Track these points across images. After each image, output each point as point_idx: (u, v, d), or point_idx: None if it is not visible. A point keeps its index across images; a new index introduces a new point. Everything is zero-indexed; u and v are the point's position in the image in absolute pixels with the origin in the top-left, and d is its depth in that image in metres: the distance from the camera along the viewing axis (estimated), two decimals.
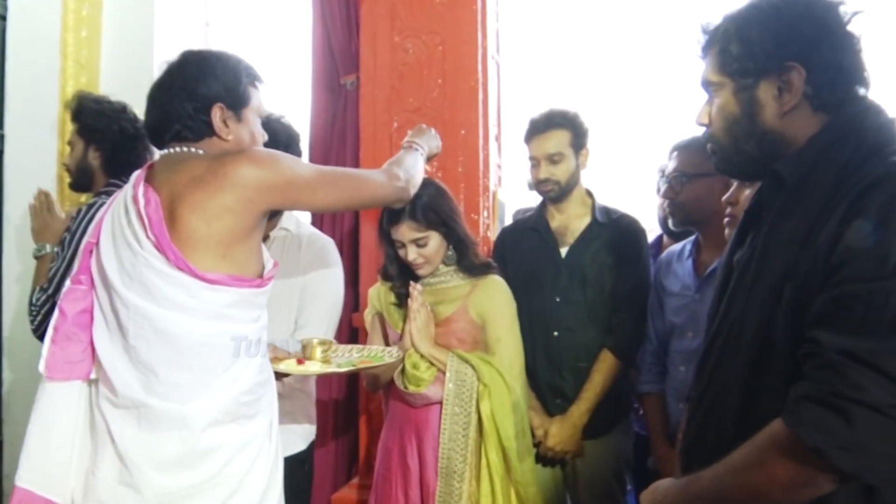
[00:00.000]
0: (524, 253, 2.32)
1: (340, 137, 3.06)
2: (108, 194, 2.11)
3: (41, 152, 3.08)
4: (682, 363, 2.11)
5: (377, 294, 2.18)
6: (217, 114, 1.51)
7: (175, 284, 1.38)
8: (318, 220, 2.97)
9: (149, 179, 1.48)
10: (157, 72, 1.58)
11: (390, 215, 1.99)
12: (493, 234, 2.64)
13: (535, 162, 2.29)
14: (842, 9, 1.14)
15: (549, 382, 2.23)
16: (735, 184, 1.86)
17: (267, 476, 1.49)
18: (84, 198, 2.62)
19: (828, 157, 1.12)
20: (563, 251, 2.29)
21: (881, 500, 1.00)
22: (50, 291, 2.17)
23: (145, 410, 1.39)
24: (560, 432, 2.15)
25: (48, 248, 2.32)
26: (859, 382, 0.93)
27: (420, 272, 2.03)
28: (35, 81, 3.11)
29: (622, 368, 2.20)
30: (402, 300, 2.06)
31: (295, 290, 2.01)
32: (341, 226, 3.01)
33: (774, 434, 1.01)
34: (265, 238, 1.92)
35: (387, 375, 2.04)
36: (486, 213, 2.62)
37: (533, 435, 2.11)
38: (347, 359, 1.87)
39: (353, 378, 2.86)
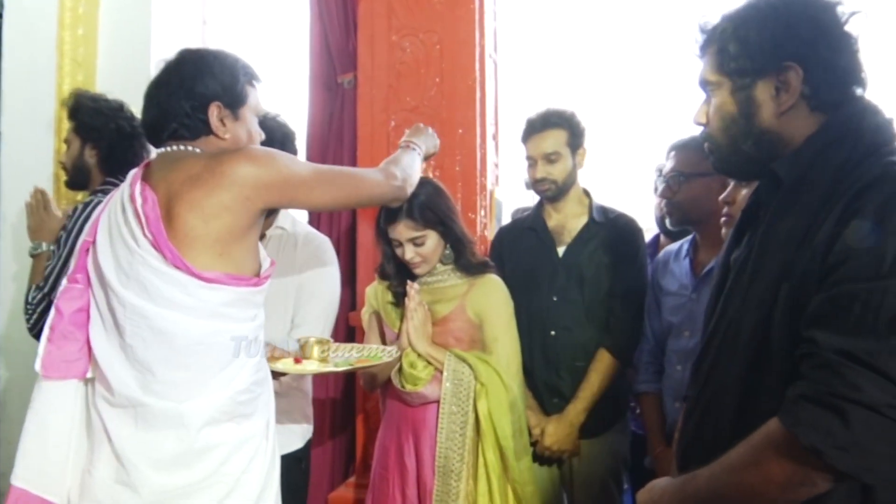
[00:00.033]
0: (521, 252, 2.32)
1: (338, 136, 3.05)
2: (105, 193, 2.11)
3: (37, 150, 3.07)
4: (678, 362, 2.12)
5: (374, 293, 2.18)
6: (214, 112, 1.51)
7: (172, 283, 1.38)
8: (316, 219, 2.96)
9: (146, 178, 1.48)
10: (153, 70, 1.58)
11: (387, 214, 1.99)
12: (490, 234, 2.64)
13: (532, 161, 2.29)
14: (839, 9, 1.14)
15: (546, 382, 2.23)
16: (732, 183, 1.86)
17: (264, 475, 1.49)
18: (80, 196, 2.61)
19: (825, 156, 1.12)
20: (561, 250, 2.29)
21: (878, 499, 1.00)
22: (46, 290, 2.16)
23: (142, 409, 1.38)
24: (557, 431, 2.16)
25: (44, 246, 2.32)
26: (857, 382, 0.93)
27: (417, 271, 2.03)
28: (31, 79, 3.11)
29: (619, 368, 2.20)
30: (400, 299, 2.06)
31: (291, 288, 2.01)
32: (338, 224, 3.00)
33: (771, 433, 1.01)
34: (261, 237, 1.92)
35: (384, 374, 2.04)
36: (483, 213, 2.62)
37: (530, 434, 2.12)
38: (345, 358, 1.87)
39: (350, 377, 2.86)
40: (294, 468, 2.01)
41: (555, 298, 2.23)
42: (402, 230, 1.97)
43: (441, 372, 1.96)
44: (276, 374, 1.67)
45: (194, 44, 3.14)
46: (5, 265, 3.12)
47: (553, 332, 2.22)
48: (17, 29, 3.14)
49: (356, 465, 2.75)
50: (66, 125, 2.44)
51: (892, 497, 1.00)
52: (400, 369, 1.99)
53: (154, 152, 1.56)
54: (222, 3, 3.60)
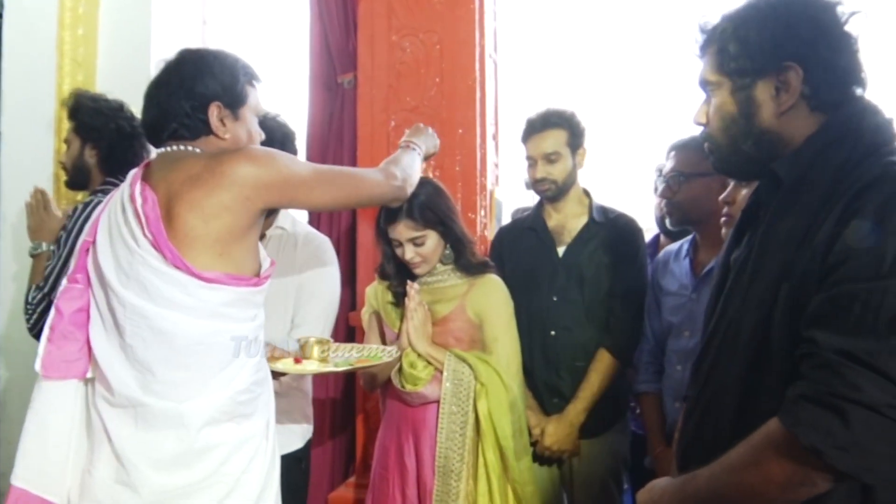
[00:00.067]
0: (521, 252, 2.32)
1: (338, 136, 3.05)
2: (105, 193, 2.11)
3: (37, 150, 3.07)
4: (678, 362, 2.12)
5: (374, 293, 2.18)
6: (214, 112, 1.51)
7: (172, 283, 1.38)
8: (316, 219, 2.96)
9: (146, 178, 1.48)
10: (153, 70, 1.58)
11: (388, 214, 1.99)
12: (490, 234, 2.64)
13: (532, 161, 2.29)
14: (839, 9, 1.14)
15: (546, 382, 2.23)
16: (732, 183, 1.86)
17: (264, 475, 1.49)
18: (80, 196, 2.62)
19: (825, 156, 1.12)
20: (561, 250, 2.29)
21: (878, 499, 1.00)
22: (46, 290, 2.16)
23: (142, 409, 1.38)
24: (557, 431, 2.16)
25: (44, 246, 2.32)
26: (857, 382, 0.93)
27: (417, 271, 2.03)
28: (31, 79, 3.11)
29: (619, 368, 2.20)
30: (400, 299, 2.06)
31: (291, 288, 2.01)
32: (338, 224, 3.01)
33: (771, 433, 1.01)
34: (261, 237, 1.92)
35: (384, 374, 2.04)
36: (483, 213, 2.62)
37: (530, 434, 2.12)
38: (345, 358, 1.87)
39: (350, 377, 2.86)
40: (294, 468, 2.01)
41: (555, 298, 2.23)
42: (403, 230, 1.97)
43: (441, 372, 1.96)
44: (276, 374, 1.67)
45: (194, 44, 3.14)
46: (5, 265, 3.12)
47: (553, 332, 2.22)
48: (17, 29, 3.14)
49: (356, 465, 2.75)
50: (66, 125, 2.44)
51: (892, 497, 1.00)
52: (400, 369, 1.99)
53: (154, 152, 1.56)
54: (222, 2, 3.60)
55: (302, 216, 2.50)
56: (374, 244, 2.16)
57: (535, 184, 2.30)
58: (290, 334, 1.95)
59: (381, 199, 1.77)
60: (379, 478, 2.06)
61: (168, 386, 1.39)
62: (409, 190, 1.81)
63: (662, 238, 2.75)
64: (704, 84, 1.25)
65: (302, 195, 1.54)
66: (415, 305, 1.97)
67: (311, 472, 2.25)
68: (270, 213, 1.96)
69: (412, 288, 1.98)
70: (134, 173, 1.51)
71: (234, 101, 1.54)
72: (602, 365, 2.17)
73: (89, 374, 1.45)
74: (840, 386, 0.94)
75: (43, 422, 1.45)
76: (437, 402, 1.97)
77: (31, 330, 2.19)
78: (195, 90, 1.49)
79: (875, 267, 0.96)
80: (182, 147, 1.51)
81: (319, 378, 2.67)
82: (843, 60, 1.14)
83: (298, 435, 2.09)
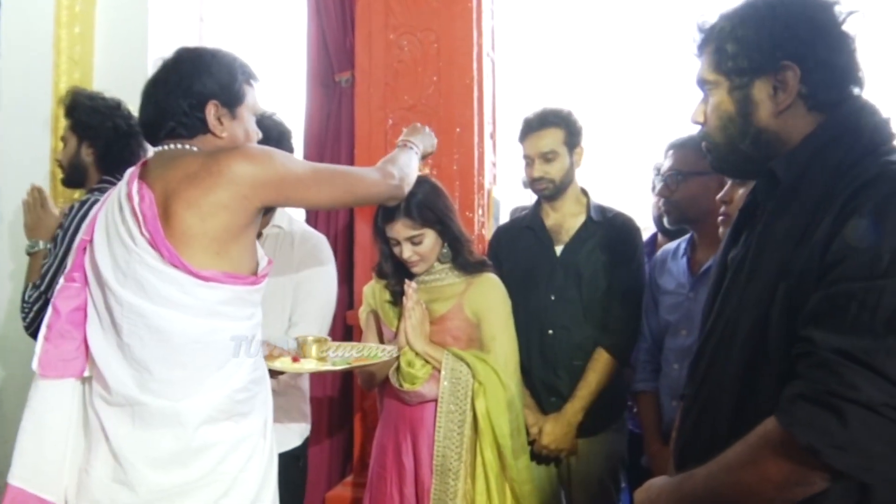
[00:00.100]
0: (519, 251, 2.32)
1: (335, 135, 3.05)
2: (101, 191, 2.11)
3: (34, 148, 3.07)
4: (675, 361, 2.12)
5: (372, 292, 2.18)
6: (212, 111, 1.51)
7: (169, 281, 1.38)
8: (313, 218, 2.96)
9: (143, 176, 1.48)
10: (150, 68, 1.58)
11: (385, 213, 1.99)
12: (487, 232, 2.64)
13: (530, 160, 2.29)
14: (837, 9, 1.14)
15: (543, 381, 2.23)
16: (729, 182, 1.86)
17: (261, 474, 1.49)
18: (77, 194, 2.61)
19: (822, 156, 1.12)
20: (559, 249, 2.29)
21: (875, 498, 1.01)
22: (42, 288, 2.16)
23: (139, 408, 1.38)
24: (554, 430, 2.16)
25: (41, 244, 2.31)
26: (854, 381, 0.93)
27: (415, 270, 2.03)
28: (28, 77, 3.10)
29: (617, 367, 2.20)
30: (397, 298, 2.06)
31: (288, 287, 2.01)
32: (335, 223, 3.00)
33: (768, 433, 1.02)
34: (258, 235, 1.92)
35: (382, 373, 2.04)
36: (480, 211, 2.62)
37: (528, 433, 2.12)
38: (343, 357, 1.87)
39: (347, 376, 2.86)
40: (292, 466, 2.02)
41: (553, 297, 2.23)
42: (400, 229, 1.97)
43: (439, 371, 1.96)
44: (273, 373, 1.67)
45: (191, 41, 3.14)
46: (2, 263, 3.11)
47: (551, 331, 2.22)
48: (13, 27, 3.13)
49: (354, 463, 2.75)
50: (63, 123, 2.44)
51: (889, 496, 1.00)
52: (398, 368, 1.99)
53: (151, 151, 1.56)
54: (219, 0, 3.59)
55: (298, 214, 2.49)
56: (371, 243, 2.16)
57: (532, 183, 2.30)
58: (288, 333, 1.95)
59: (379, 197, 1.77)
60: (377, 477, 2.06)
61: (165, 384, 1.39)
62: (407, 189, 1.81)
63: (660, 237, 2.75)
64: (702, 83, 1.25)
65: (299, 193, 1.54)
66: (412, 304, 1.97)
67: (309, 472, 2.25)
68: (267, 212, 1.96)
69: (410, 287, 1.98)
70: (131, 172, 1.51)
71: (231, 99, 1.54)
72: (600, 364, 2.17)
73: (86, 373, 1.45)
74: (837, 385, 0.94)
75: (40, 420, 1.45)
76: (435, 400, 1.97)
77: (27, 328, 2.18)
78: (193, 89, 1.49)
79: (872, 266, 0.96)
80: (179, 145, 1.51)
81: (317, 377, 2.67)
82: (840, 60, 1.14)
83: (296, 433, 2.09)
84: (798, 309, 1.03)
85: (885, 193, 1.00)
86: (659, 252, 2.38)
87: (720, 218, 1.90)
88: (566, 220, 2.32)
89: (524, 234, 2.35)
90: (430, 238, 2.00)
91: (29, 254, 2.33)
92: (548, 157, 2.25)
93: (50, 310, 1.47)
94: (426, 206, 1.97)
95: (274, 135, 1.97)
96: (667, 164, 2.24)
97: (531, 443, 2.15)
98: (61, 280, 1.49)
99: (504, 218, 2.98)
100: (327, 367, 1.79)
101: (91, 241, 1.47)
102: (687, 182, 2.15)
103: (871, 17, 1.16)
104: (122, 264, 1.40)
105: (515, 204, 3.40)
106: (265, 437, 1.52)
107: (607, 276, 2.23)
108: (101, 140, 2.31)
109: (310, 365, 1.76)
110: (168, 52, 1.57)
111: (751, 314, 1.13)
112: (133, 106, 1.80)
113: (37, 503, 1.42)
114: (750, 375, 1.12)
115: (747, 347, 1.13)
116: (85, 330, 1.44)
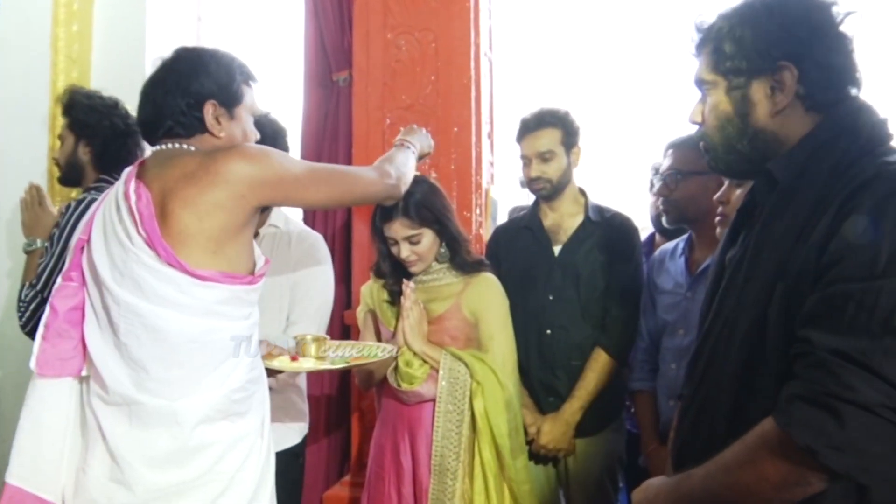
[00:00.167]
0: (518, 251, 2.32)
1: (333, 134, 3.05)
2: (98, 190, 2.11)
3: (32, 147, 3.06)
4: (673, 360, 2.12)
5: (370, 291, 2.18)
6: (210, 110, 1.51)
7: (166, 281, 1.38)
8: (311, 217, 2.96)
9: (140, 176, 1.47)
10: (148, 67, 1.58)
11: (383, 212, 1.99)
12: (485, 232, 2.65)
13: (527, 160, 2.29)
14: (834, 9, 1.15)
15: (542, 380, 2.23)
16: (726, 183, 1.86)
17: (259, 473, 1.49)
18: (74, 193, 2.61)
19: (820, 156, 1.12)
20: (557, 249, 2.29)
21: (873, 499, 1.01)
22: (38, 287, 2.15)
23: (136, 407, 1.38)
24: (553, 430, 2.16)
25: (39, 242, 2.31)
26: (851, 382, 0.93)
27: (413, 270, 2.03)
28: (26, 76, 3.10)
29: (615, 367, 2.21)
30: (395, 298, 2.06)
31: (285, 287, 2.01)
32: (333, 222, 3.00)
33: (766, 433, 1.02)
34: (255, 235, 1.92)
35: (380, 373, 2.03)
36: (478, 211, 2.62)
37: (526, 433, 2.12)
38: (342, 356, 1.87)
39: (345, 375, 2.86)
40: (292, 463, 2.02)
41: (551, 297, 2.24)
42: (398, 228, 1.97)
43: (437, 370, 1.96)
44: (272, 372, 1.67)
45: (189, 40, 3.14)
46: (0, 261, 3.11)
47: (549, 331, 2.22)
48: (11, 25, 3.12)
49: (351, 463, 2.75)
50: (61, 121, 2.43)
51: (886, 496, 1.00)
52: (396, 368, 1.99)
53: (149, 150, 1.56)
54: None
55: (295, 214, 2.49)
56: (369, 242, 2.16)
57: (529, 183, 2.30)
58: (286, 332, 1.95)
59: (376, 197, 1.77)
60: (375, 476, 2.06)
61: (162, 384, 1.39)
62: (404, 188, 1.81)
63: (658, 237, 2.76)
64: (700, 83, 1.25)
65: (296, 193, 1.54)
66: (410, 304, 1.97)
67: (307, 471, 2.25)
68: (263, 211, 1.95)
69: (408, 286, 1.98)
70: (128, 171, 1.50)
71: (229, 99, 1.53)
72: (598, 364, 2.18)
73: (84, 372, 1.44)
74: (834, 386, 0.94)
75: (38, 420, 1.45)
76: (433, 400, 1.97)
77: (23, 327, 2.18)
78: (191, 88, 1.49)
79: (870, 267, 0.96)
80: (177, 145, 1.51)
81: (314, 376, 2.67)
82: (838, 60, 1.14)
83: (295, 431, 2.09)
84: (796, 309, 1.03)
85: (883, 194, 1.00)
86: (657, 252, 2.38)
87: (717, 218, 1.90)
88: (564, 220, 2.32)
89: (522, 234, 2.36)
90: (427, 238, 2.00)
91: (26, 252, 2.32)
92: (545, 157, 2.25)
93: (48, 309, 1.46)
94: (424, 205, 1.96)
95: (269, 133, 1.96)
96: (666, 163, 2.24)
97: (529, 443, 2.15)
98: (59, 279, 1.49)
99: (502, 218, 2.98)
100: (326, 366, 1.79)
101: (88, 240, 1.47)
102: (686, 181, 2.15)
103: (869, 17, 1.16)
104: (120, 263, 1.40)
105: (513, 204, 3.40)
106: (262, 436, 1.52)
107: (605, 276, 2.23)
108: (98, 139, 2.31)
109: (308, 364, 1.76)
110: (166, 51, 1.56)
111: (749, 314, 1.13)
112: (131, 105, 1.80)
113: (35, 502, 1.42)
114: (748, 375, 1.12)
115: (745, 347, 1.13)
116: (82, 329, 1.44)
